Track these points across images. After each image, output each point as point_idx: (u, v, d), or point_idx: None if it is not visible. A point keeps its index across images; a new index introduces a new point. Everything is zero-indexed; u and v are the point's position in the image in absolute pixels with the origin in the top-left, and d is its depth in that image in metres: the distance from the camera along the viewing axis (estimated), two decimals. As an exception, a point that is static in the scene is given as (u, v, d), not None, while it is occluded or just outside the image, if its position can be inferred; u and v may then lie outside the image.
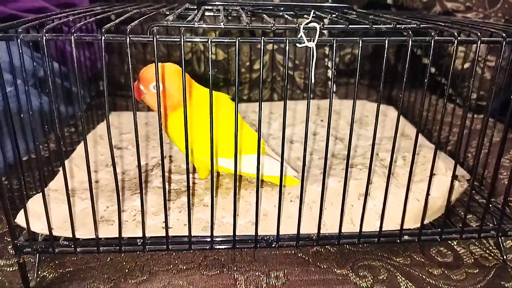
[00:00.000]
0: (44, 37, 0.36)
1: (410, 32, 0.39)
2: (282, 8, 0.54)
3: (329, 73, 0.99)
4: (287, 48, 0.37)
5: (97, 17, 0.44)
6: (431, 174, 0.46)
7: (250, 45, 0.92)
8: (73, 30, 0.35)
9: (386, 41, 0.38)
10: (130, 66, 0.36)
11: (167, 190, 0.43)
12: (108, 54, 0.94)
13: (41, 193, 0.43)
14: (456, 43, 0.39)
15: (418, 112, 0.75)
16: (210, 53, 0.37)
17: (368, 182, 0.45)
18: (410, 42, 0.38)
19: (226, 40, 0.38)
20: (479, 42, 0.40)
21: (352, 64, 1.04)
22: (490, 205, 0.54)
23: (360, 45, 0.38)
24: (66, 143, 0.68)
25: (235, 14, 0.55)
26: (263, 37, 0.37)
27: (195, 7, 0.55)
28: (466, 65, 0.83)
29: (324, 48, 0.99)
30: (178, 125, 0.52)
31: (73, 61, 0.36)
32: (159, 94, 0.40)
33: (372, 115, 0.78)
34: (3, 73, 0.38)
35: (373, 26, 0.39)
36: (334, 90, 0.98)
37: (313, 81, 0.38)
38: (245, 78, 0.96)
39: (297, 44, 0.38)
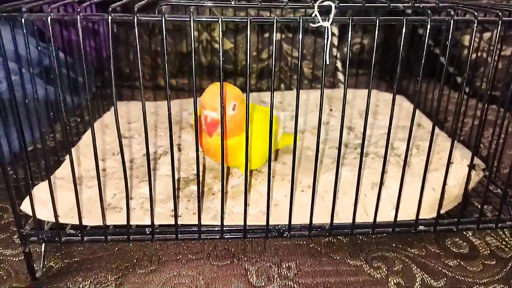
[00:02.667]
0: (50, 17, 0.34)
1: (429, 11, 0.37)
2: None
3: (338, 64, 0.97)
4: (300, 27, 0.36)
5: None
6: (448, 163, 0.45)
7: (257, 34, 0.91)
8: (79, 9, 0.34)
9: (404, 20, 0.36)
10: (138, 45, 0.35)
11: (175, 179, 0.42)
12: (113, 45, 0.93)
13: (47, 180, 0.42)
14: (476, 22, 0.38)
15: (432, 103, 0.74)
16: (220, 32, 0.35)
17: (383, 171, 0.44)
18: (429, 21, 0.37)
19: (238, 20, 0.37)
20: (500, 22, 0.38)
21: (361, 55, 1.02)
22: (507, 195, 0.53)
23: (377, 24, 0.36)
24: (72, 132, 0.67)
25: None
26: (275, 17, 0.36)
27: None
28: (475, 56, 0.81)
29: (332, 38, 0.97)
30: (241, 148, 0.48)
31: (79, 44, 0.35)
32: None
33: (383, 104, 0.76)
34: (8, 62, 0.37)
35: (391, 4, 0.37)
36: (343, 80, 0.97)
37: (327, 62, 0.37)
38: (252, 68, 0.95)
39: (311, 24, 0.37)
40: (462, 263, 0.47)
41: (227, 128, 0.47)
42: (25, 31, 0.35)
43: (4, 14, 0.35)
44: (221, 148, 0.40)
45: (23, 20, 0.35)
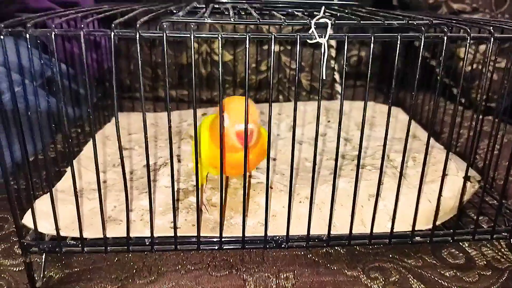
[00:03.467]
0: (53, 33, 0.35)
1: (423, 28, 0.38)
2: (290, 6, 0.54)
3: (336, 75, 0.98)
4: (298, 43, 0.37)
5: (106, 13, 0.43)
6: (443, 175, 0.45)
7: (256, 47, 0.92)
8: (82, 25, 0.35)
9: (399, 37, 0.38)
10: (140, 61, 0.36)
11: (175, 190, 0.42)
12: (115, 57, 0.94)
13: (48, 193, 0.43)
14: (469, 39, 0.39)
15: (429, 115, 0.75)
16: (219, 48, 0.36)
17: (379, 183, 0.45)
18: (423, 38, 0.38)
19: (237, 36, 0.38)
20: (492, 39, 0.40)
21: (359, 66, 1.03)
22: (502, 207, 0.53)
23: (372, 40, 0.37)
24: (73, 144, 0.68)
25: (243, 13, 0.54)
26: (273, 33, 0.37)
27: (203, 6, 0.55)
28: (471, 68, 0.83)
29: (330, 50, 0.99)
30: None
31: (81, 57, 0.36)
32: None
33: (380, 116, 0.77)
34: (11, 73, 0.38)
35: (385, 21, 0.38)
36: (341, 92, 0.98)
37: (324, 77, 0.38)
38: (251, 80, 0.96)
39: (308, 40, 0.38)
40: (458, 274, 0.47)
41: (256, 138, 0.46)
42: (29, 45, 0.36)
43: (10, 30, 0.36)
44: (220, 160, 0.41)
45: (27, 35, 0.36)
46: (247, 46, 0.37)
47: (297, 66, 0.38)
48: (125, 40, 0.94)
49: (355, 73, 1.02)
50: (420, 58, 0.38)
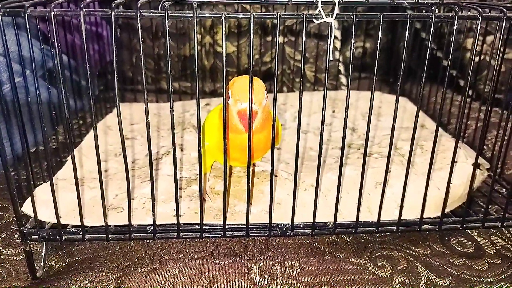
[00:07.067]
0: (53, 12, 0.34)
1: (433, 7, 0.37)
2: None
3: (340, 67, 0.97)
4: (304, 22, 0.36)
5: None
6: (453, 161, 0.44)
7: (260, 38, 0.91)
8: (82, 5, 0.34)
9: (408, 16, 0.36)
10: (141, 42, 0.35)
11: (177, 178, 0.41)
12: (117, 49, 0.93)
13: (48, 181, 0.42)
14: (480, 19, 0.38)
15: (436, 106, 0.74)
16: (223, 28, 0.35)
17: (387, 170, 0.43)
18: (433, 17, 0.37)
19: (241, 15, 0.37)
20: (504, 18, 0.38)
21: (363, 58, 1.02)
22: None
23: (381, 20, 0.36)
24: (74, 135, 0.67)
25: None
26: (279, 13, 0.36)
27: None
28: (478, 59, 0.81)
29: (335, 41, 0.98)
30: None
31: (82, 45, 0.35)
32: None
33: (386, 106, 0.76)
34: (12, 63, 0.37)
35: (395, 0, 0.37)
36: (346, 83, 0.97)
37: (331, 58, 0.36)
38: (255, 71, 0.95)
39: (315, 20, 0.37)
40: (468, 262, 0.46)
41: (261, 120, 0.45)
42: (28, 26, 0.35)
43: (8, 10, 0.35)
44: (224, 145, 0.40)
45: (26, 15, 0.35)
46: (251, 26, 0.35)
47: (303, 47, 0.37)
48: (127, 32, 0.94)
49: (360, 65, 1.01)
50: (430, 38, 0.37)
